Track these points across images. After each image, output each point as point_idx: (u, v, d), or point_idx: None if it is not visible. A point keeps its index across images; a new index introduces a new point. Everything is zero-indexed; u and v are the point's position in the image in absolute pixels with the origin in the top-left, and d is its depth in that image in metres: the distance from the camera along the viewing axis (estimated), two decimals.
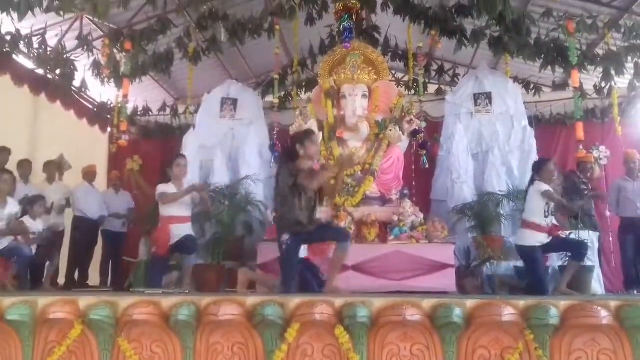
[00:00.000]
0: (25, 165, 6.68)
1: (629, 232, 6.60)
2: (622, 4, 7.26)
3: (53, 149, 7.54)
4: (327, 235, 4.73)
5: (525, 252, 5.11)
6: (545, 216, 5.03)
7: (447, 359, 3.35)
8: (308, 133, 4.80)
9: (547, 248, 5.14)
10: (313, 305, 3.37)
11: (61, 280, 7.04)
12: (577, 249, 5.15)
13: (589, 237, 6.67)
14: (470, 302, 3.43)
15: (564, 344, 3.32)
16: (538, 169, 5.20)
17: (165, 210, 5.10)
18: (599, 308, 3.29)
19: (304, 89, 9.57)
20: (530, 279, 5.17)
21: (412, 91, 9.03)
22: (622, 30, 7.04)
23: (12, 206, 5.50)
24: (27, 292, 4.74)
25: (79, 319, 3.46)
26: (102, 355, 3.51)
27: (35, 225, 5.85)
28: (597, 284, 6.48)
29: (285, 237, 4.45)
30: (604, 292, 6.61)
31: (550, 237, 5.04)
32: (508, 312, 3.32)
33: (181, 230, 5.08)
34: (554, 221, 5.13)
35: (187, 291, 4.98)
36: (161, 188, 5.11)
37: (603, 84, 7.89)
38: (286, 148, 4.77)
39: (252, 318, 3.39)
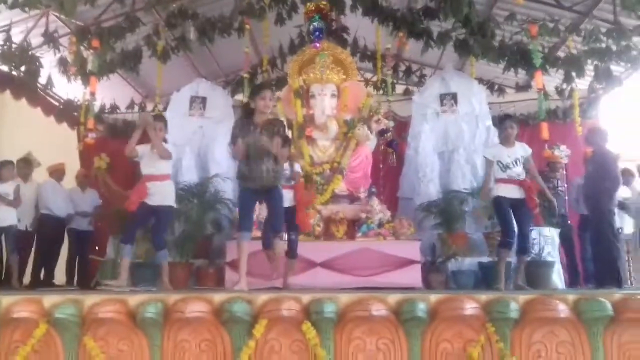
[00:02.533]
0: None
1: (588, 228, 6.79)
2: (583, 9, 7.50)
3: (21, 146, 7.39)
4: (272, 210, 4.71)
5: (493, 203, 5.34)
6: (503, 170, 5.19)
7: (412, 353, 3.44)
8: (259, 89, 4.85)
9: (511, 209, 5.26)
10: (280, 301, 3.43)
11: (27, 279, 6.92)
12: (520, 243, 5.26)
13: (550, 233, 6.89)
14: (434, 297, 3.54)
15: (524, 337, 3.45)
16: (502, 121, 5.45)
17: (143, 169, 5.05)
18: (558, 302, 3.44)
19: (274, 88, 9.57)
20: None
21: (381, 91, 9.14)
22: (583, 34, 7.26)
23: None
24: None
25: (44, 318, 3.44)
26: (67, 354, 3.49)
27: (4, 188, 5.90)
28: (557, 278, 6.68)
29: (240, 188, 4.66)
30: (564, 287, 6.82)
31: (523, 193, 5.17)
32: (470, 306, 3.44)
33: (159, 188, 4.99)
34: (522, 177, 5.23)
35: (154, 289, 4.97)
36: (142, 149, 5.06)
37: (564, 86, 8.14)
38: (243, 104, 4.86)
39: (219, 315, 3.43)
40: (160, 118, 5.37)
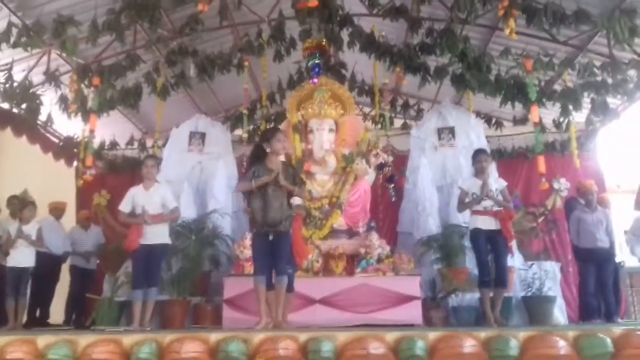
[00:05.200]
0: None
1: (589, 262, 6.75)
2: (578, 43, 7.60)
3: (18, 184, 7.41)
4: (278, 254, 4.67)
5: (470, 237, 5.49)
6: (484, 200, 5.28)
7: None
8: (274, 131, 4.96)
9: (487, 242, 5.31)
10: (277, 340, 3.37)
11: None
12: (498, 276, 5.29)
13: (551, 267, 6.84)
14: (432, 335, 3.47)
15: None
16: (475, 155, 5.58)
17: (137, 208, 5.19)
18: (558, 339, 3.38)
19: (272, 123, 9.66)
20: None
21: (379, 125, 9.21)
22: (578, 68, 7.34)
23: None
24: None
25: (38, 359, 3.37)
26: None
27: (26, 229, 6.01)
28: (560, 314, 6.61)
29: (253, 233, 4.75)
30: (567, 322, 6.73)
31: (498, 224, 5.24)
32: (470, 344, 3.38)
33: (153, 227, 5.13)
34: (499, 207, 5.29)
35: (149, 328, 4.91)
36: (132, 191, 5.28)
37: (562, 119, 8.20)
38: (255, 147, 4.89)
39: (215, 355, 3.36)
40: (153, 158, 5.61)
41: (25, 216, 6.29)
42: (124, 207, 5.24)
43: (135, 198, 5.22)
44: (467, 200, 5.41)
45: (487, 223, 5.28)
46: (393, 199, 7.50)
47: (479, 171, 5.43)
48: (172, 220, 5.51)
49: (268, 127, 9.23)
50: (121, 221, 5.31)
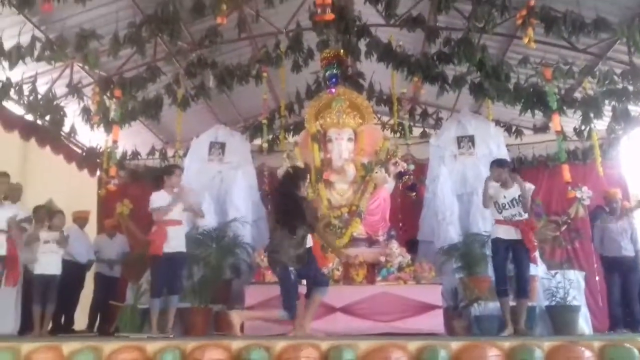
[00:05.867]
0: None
1: (614, 271, 6.66)
2: (598, 51, 7.54)
3: (43, 193, 7.55)
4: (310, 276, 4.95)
5: (491, 246, 5.53)
6: (499, 211, 5.30)
7: None
8: (305, 172, 5.21)
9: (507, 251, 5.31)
10: (299, 348, 3.38)
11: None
12: (519, 286, 5.29)
13: (575, 276, 6.74)
14: (455, 344, 3.46)
15: None
16: (490, 167, 5.59)
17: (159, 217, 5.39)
18: (583, 349, 3.34)
19: (291, 133, 9.72)
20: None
21: (398, 134, 9.21)
22: (598, 76, 7.27)
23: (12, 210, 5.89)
24: (11, 338, 4.70)
25: None
26: None
27: (55, 237, 6.13)
28: (584, 323, 6.50)
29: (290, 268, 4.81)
30: (592, 332, 6.62)
31: (519, 234, 5.21)
32: (493, 353, 3.36)
33: (176, 233, 5.36)
34: (520, 217, 5.27)
35: (172, 335, 4.95)
36: (155, 197, 5.49)
37: (583, 127, 8.12)
38: (289, 183, 5.08)
39: None
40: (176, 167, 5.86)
41: (55, 224, 6.37)
42: (160, 202, 5.41)
43: (161, 203, 5.38)
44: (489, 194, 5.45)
45: (508, 233, 5.27)
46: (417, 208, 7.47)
47: (499, 181, 5.42)
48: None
49: (287, 136, 9.33)
50: (157, 220, 5.48)
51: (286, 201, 4.93)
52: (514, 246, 5.26)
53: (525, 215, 5.29)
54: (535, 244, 5.32)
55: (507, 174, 5.43)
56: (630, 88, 7.16)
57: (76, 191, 8.83)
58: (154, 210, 5.44)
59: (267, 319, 4.91)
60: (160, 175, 5.59)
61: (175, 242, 5.23)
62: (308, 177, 5.04)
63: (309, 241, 5.06)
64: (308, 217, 4.86)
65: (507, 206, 5.27)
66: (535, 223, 5.40)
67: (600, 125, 8.15)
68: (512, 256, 5.29)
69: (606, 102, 7.45)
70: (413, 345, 3.44)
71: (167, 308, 5.35)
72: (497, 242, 5.36)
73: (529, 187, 5.48)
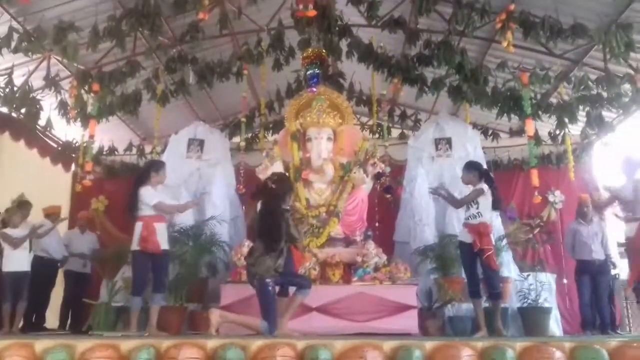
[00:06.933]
0: None
1: (585, 274, 6.79)
2: (574, 56, 7.68)
3: (13, 188, 7.40)
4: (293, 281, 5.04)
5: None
6: (466, 212, 5.38)
7: None
8: (289, 184, 5.28)
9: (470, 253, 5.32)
10: (275, 347, 3.39)
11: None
12: (488, 289, 5.34)
13: (547, 279, 6.87)
14: (429, 344, 3.50)
15: None
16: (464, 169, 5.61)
17: (145, 211, 5.20)
18: (554, 349, 3.42)
19: (270, 131, 9.71)
20: None
21: (377, 135, 9.27)
22: (573, 81, 7.41)
23: None
24: None
25: None
26: None
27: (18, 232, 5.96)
28: (555, 325, 6.63)
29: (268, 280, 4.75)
30: (562, 333, 6.76)
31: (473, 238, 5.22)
32: (467, 353, 3.41)
33: (161, 229, 5.24)
34: (475, 219, 5.26)
35: (146, 334, 4.91)
36: (149, 193, 5.25)
37: (557, 132, 8.27)
38: (276, 190, 5.00)
39: None
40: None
41: (13, 221, 6.22)
42: (158, 197, 5.29)
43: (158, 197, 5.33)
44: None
45: (466, 236, 5.32)
46: (391, 209, 7.53)
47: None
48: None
49: (267, 135, 9.31)
50: (168, 210, 5.46)
51: (270, 217, 4.90)
52: (472, 249, 5.24)
53: (481, 218, 5.23)
54: (489, 245, 5.21)
55: (467, 174, 5.48)
56: (605, 94, 7.31)
57: (49, 187, 8.67)
58: (158, 206, 5.23)
59: (247, 327, 4.88)
60: (147, 171, 5.43)
61: (162, 242, 5.16)
62: (292, 187, 5.02)
63: None
64: (290, 233, 4.87)
65: (469, 206, 5.33)
66: (484, 224, 5.34)
67: (574, 130, 8.31)
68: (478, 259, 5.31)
69: (580, 107, 7.58)
70: (388, 345, 3.48)
71: (149, 307, 5.24)
72: (460, 244, 5.48)
73: (480, 187, 5.37)
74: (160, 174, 5.45)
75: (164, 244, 5.19)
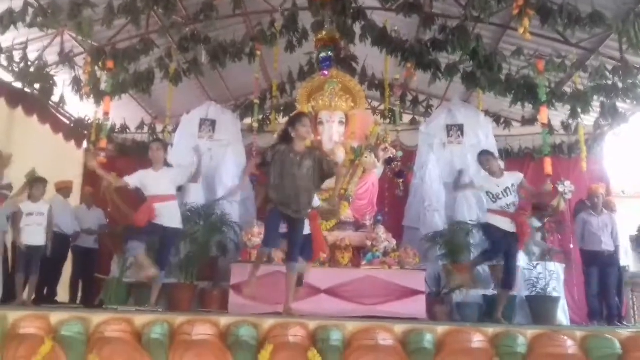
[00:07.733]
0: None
1: (594, 265, 6.79)
2: (590, 46, 7.60)
3: (25, 163, 7.44)
4: (292, 240, 4.71)
5: (485, 229, 5.53)
6: (493, 201, 5.28)
7: None
8: (299, 116, 4.96)
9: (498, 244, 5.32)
10: (287, 327, 3.42)
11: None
12: (506, 278, 5.35)
13: (555, 268, 6.88)
14: (441, 329, 3.52)
15: None
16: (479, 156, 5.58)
17: (148, 191, 5.22)
18: (566, 338, 3.41)
19: (282, 114, 9.68)
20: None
21: (388, 120, 9.23)
22: (589, 71, 7.34)
23: None
24: None
25: (50, 335, 3.41)
26: None
27: (38, 207, 6.04)
28: (562, 314, 6.65)
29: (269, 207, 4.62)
30: (569, 323, 6.78)
31: (514, 227, 5.21)
32: (478, 339, 3.42)
33: (165, 209, 5.16)
34: (515, 207, 5.27)
35: (160, 310, 4.97)
36: (142, 172, 5.31)
37: (570, 122, 8.21)
38: (281, 131, 4.88)
39: (226, 339, 3.41)
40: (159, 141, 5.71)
41: (34, 194, 6.30)
42: (131, 180, 5.27)
43: (145, 180, 5.25)
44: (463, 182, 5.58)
45: (503, 224, 5.24)
46: (401, 194, 7.52)
47: (490, 171, 5.42)
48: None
49: (278, 117, 9.29)
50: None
51: (280, 137, 4.78)
52: (506, 237, 5.24)
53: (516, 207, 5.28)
54: (529, 231, 5.31)
55: (497, 163, 5.46)
56: (620, 84, 7.23)
57: (60, 163, 8.69)
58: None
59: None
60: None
61: (166, 218, 5.13)
62: (304, 119, 4.67)
63: (307, 229, 5.01)
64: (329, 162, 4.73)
65: (500, 195, 5.26)
66: (527, 209, 5.39)
67: (587, 120, 8.25)
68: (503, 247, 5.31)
69: (595, 97, 7.52)
70: (399, 328, 3.50)
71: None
72: (491, 227, 5.32)
73: (520, 175, 5.48)
74: (150, 152, 5.44)
75: (173, 222, 5.18)
